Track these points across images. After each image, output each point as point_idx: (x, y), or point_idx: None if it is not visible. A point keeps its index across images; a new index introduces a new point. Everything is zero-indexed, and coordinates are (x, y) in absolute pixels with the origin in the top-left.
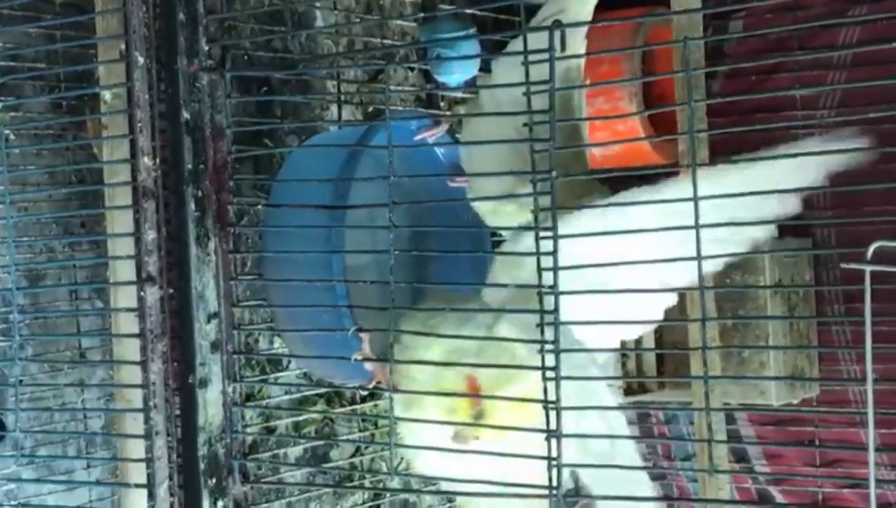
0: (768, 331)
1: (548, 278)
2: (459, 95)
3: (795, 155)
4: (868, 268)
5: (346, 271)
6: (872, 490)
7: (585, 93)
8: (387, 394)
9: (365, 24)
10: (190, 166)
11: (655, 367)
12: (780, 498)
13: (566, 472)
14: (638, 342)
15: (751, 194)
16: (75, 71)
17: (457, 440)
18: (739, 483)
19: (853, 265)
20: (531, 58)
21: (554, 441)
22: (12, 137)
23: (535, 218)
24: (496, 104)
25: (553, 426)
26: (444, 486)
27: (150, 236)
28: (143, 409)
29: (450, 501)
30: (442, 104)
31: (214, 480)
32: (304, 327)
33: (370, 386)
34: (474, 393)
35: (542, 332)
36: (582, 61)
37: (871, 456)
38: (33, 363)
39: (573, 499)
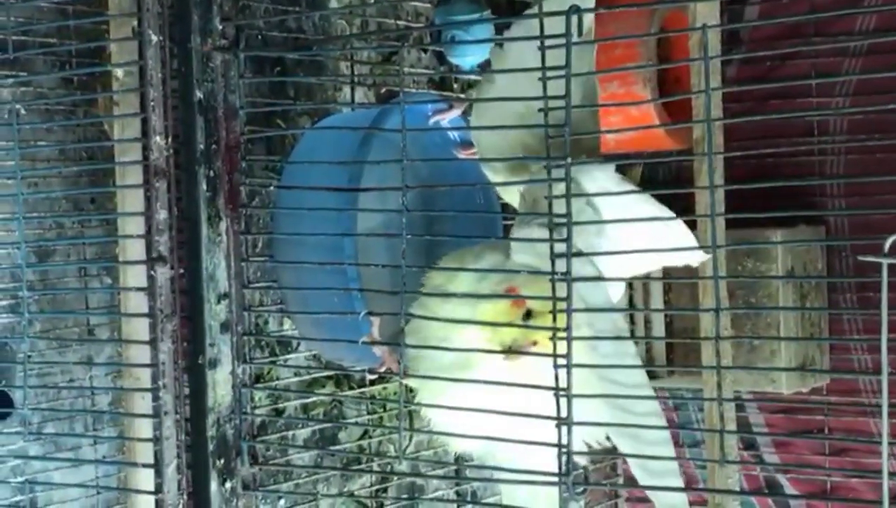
0: (779, 318)
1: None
2: (473, 78)
3: None
4: (886, 261)
5: (357, 253)
6: (885, 483)
7: (600, 77)
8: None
9: (379, 5)
10: (202, 146)
11: (665, 354)
12: (788, 486)
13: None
14: (648, 328)
15: None
16: (87, 47)
17: (512, 354)
18: (748, 471)
19: (870, 258)
20: (544, 42)
21: (564, 429)
22: (23, 112)
23: (550, 205)
24: (507, 81)
25: (563, 413)
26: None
27: (161, 215)
28: (152, 388)
29: (457, 484)
30: (455, 87)
31: (223, 461)
32: (315, 309)
33: (380, 370)
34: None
35: (554, 318)
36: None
37: (885, 449)
38: (41, 339)
39: (582, 486)
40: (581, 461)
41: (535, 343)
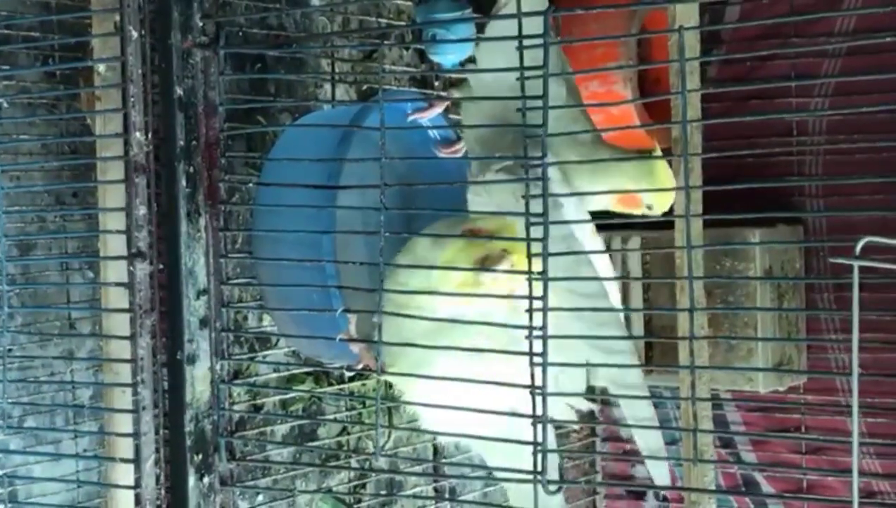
0: (757, 316)
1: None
2: (454, 76)
3: None
4: (857, 263)
5: (336, 250)
6: (855, 480)
7: (581, 76)
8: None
9: (360, 2)
10: (182, 143)
11: (644, 352)
12: (765, 485)
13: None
14: (627, 327)
15: None
16: (70, 42)
17: (489, 264)
18: (725, 469)
19: (842, 260)
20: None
21: (540, 427)
22: (6, 106)
23: (527, 205)
24: (482, 85)
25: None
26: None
27: (141, 211)
28: (131, 384)
29: (436, 481)
30: (437, 84)
31: (201, 456)
32: (293, 305)
33: (357, 368)
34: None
35: (531, 318)
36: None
37: (856, 447)
38: (22, 333)
39: (558, 483)
40: (556, 458)
41: (504, 251)
